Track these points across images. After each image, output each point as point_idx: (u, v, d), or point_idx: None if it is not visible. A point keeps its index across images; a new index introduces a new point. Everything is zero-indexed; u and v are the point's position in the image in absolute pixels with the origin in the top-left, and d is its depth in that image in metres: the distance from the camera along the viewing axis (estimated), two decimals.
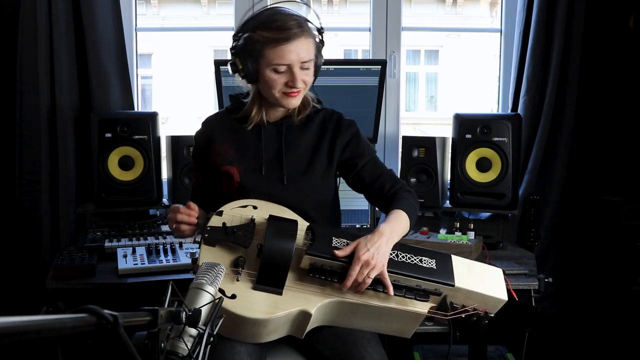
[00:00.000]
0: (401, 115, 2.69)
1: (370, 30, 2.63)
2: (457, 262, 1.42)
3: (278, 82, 1.44)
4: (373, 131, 2.29)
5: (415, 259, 1.39)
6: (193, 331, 0.99)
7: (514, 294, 1.70)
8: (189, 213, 1.41)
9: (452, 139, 2.27)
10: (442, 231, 2.16)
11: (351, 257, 1.31)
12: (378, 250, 1.31)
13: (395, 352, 2.06)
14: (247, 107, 1.54)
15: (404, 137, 2.29)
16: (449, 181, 2.30)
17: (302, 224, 1.41)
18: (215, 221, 1.38)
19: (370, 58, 2.62)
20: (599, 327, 2.40)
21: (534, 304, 1.89)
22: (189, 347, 0.98)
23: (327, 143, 1.55)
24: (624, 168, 2.49)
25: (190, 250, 1.98)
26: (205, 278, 1.08)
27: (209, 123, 1.61)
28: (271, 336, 1.36)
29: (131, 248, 2.00)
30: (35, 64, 2.29)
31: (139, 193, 2.27)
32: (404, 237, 1.44)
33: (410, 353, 2.19)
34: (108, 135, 2.22)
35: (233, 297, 1.28)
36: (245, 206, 1.43)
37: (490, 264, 1.94)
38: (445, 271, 1.38)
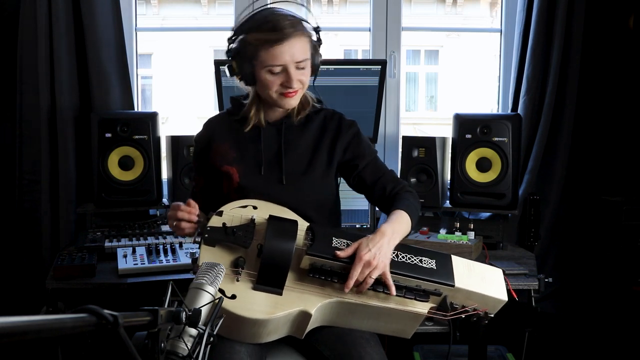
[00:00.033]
0: (401, 115, 2.70)
1: (370, 30, 2.63)
2: (457, 262, 1.42)
3: (274, 83, 1.44)
4: (373, 131, 2.30)
5: (415, 259, 1.39)
6: (193, 331, 0.99)
7: (514, 294, 1.70)
8: (189, 210, 1.40)
9: (452, 139, 2.27)
10: (442, 231, 2.16)
11: (352, 258, 1.31)
12: (380, 251, 1.31)
13: (395, 352, 2.06)
14: (246, 108, 1.54)
15: (404, 137, 2.29)
16: (449, 181, 2.30)
17: (302, 224, 1.41)
18: (215, 221, 1.38)
19: (370, 58, 2.62)
20: (599, 327, 2.40)
21: (534, 304, 1.89)
22: (189, 347, 0.98)
23: (328, 143, 1.55)
24: (624, 168, 2.49)
25: (190, 250, 1.98)
26: (205, 278, 1.08)
27: (209, 125, 1.61)
28: (271, 336, 1.36)
29: (131, 248, 2.00)
30: (35, 64, 2.29)
31: (139, 193, 2.27)
32: (405, 237, 1.44)
33: (410, 353, 2.19)
34: (108, 135, 2.22)
35: (233, 297, 1.28)
36: (245, 206, 1.43)
37: (490, 264, 1.94)
38: (445, 271, 1.38)
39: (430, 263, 1.39)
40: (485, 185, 2.20)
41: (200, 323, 0.97)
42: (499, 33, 2.70)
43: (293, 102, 1.49)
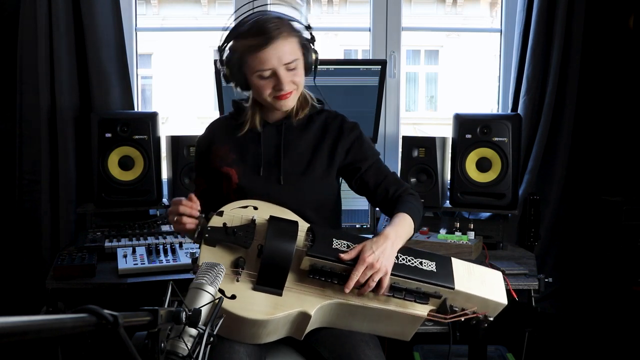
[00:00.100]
0: (401, 115, 2.70)
1: (370, 30, 2.63)
2: (457, 265, 1.42)
3: (266, 88, 1.44)
4: (373, 131, 2.30)
5: (415, 262, 1.39)
6: (193, 331, 0.99)
7: (513, 294, 1.70)
8: (191, 205, 1.39)
9: (452, 139, 2.27)
10: (442, 231, 2.16)
11: (355, 260, 1.31)
12: (383, 254, 1.31)
13: (395, 352, 2.06)
14: (246, 111, 1.54)
15: (404, 137, 2.29)
16: (449, 181, 2.30)
17: (303, 225, 1.41)
18: (215, 221, 1.38)
19: (370, 58, 2.62)
20: (599, 327, 2.40)
21: (534, 304, 1.89)
22: (189, 347, 0.98)
23: (329, 145, 1.55)
24: (624, 168, 2.49)
25: (190, 250, 1.98)
26: (205, 278, 1.08)
27: (211, 127, 1.62)
28: (271, 337, 1.36)
29: (131, 248, 2.00)
30: (35, 64, 2.29)
31: (139, 193, 2.27)
32: (407, 240, 1.44)
33: (410, 353, 2.19)
34: (108, 135, 2.22)
35: (233, 297, 1.28)
36: (246, 207, 1.43)
37: (490, 264, 1.95)
38: (445, 274, 1.38)
39: (430, 265, 1.39)
40: (485, 185, 2.20)
41: (200, 323, 0.97)
42: (499, 33, 2.70)
43: (289, 103, 1.49)
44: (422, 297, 1.36)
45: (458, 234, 2.12)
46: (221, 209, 1.42)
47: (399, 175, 2.05)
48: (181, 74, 8.25)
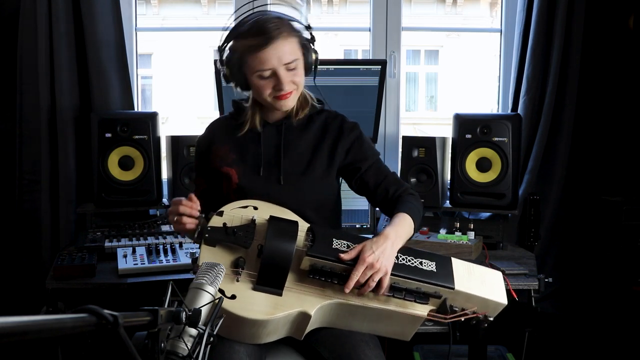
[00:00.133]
0: (401, 115, 2.70)
1: (370, 30, 2.63)
2: (457, 265, 1.42)
3: (266, 88, 1.44)
4: (373, 131, 2.30)
5: (415, 262, 1.39)
6: (193, 331, 0.99)
7: (513, 294, 1.70)
8: (191, 205, 1.39)
9: (452, 139, 2.27)
10: (442, 231, 2.16)
11: (354, 260, 1.31)
12: (383, 254, 1.31)
13: (395, 351, 2.06)
14: (246, 111, 1.55)
15: (404, 137, 2.29)
16: (449, 181, 2.30)
17: (303, 225, 1.41)
18: (215, 221, 1.38)
19: (370, 58, 2.62)
20: (599, 327, 2.40)
21: (534, 304, 1.89)
22: (189, 347, 0.98)
23: (329, 144, 1.55)
24: (624, 168, 2.49)
25: (190, 250, 1.98)
26: (205, 278, 1.08)
27: (211, 128, 1.62)
28: (270, 337, 1.36)
29: (131, 248, 2.00)
30: (35, 64, 2.29)
31: (139, 193, 2.27)
32: (407, 240, 1.44)
33: (410, 353, 2.19)
34: (108, 135, 2.22)
35: (233, 297, 1.28)
36: (246, 207, 1.43)
37: (490, 264, 1.95)
38: (445, 274, 1.38)
39: (430, 265, 1.39)
40: (485, 185, 2.20)
41: (200, 323, 0.97)
42: (499, 33, 2.70)
43: (289, 103, 1.49)
44: (422, 297, 1.36)
45: (458, 234, 2.12)
46: (221, 209, 1.42)
47: (399, 175, 2.05)
48: (181, 74, 8.25)
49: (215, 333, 1.00)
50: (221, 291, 1.26)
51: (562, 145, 2.47)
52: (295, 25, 1.46)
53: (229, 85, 1.53)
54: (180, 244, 2.06)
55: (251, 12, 1.46)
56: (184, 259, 1.92)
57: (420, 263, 1.39)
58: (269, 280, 1.31)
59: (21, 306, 2.36)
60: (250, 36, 1.40)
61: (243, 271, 1.33)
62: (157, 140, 2.30)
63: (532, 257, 2.13)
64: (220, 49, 1.48)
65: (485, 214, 2.38)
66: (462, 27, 9.03)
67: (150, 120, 2.26)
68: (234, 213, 1.41)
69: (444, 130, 6.49)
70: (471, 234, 2.10)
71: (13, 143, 2.35)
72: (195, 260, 1.53)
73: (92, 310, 0.68)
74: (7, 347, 0.55)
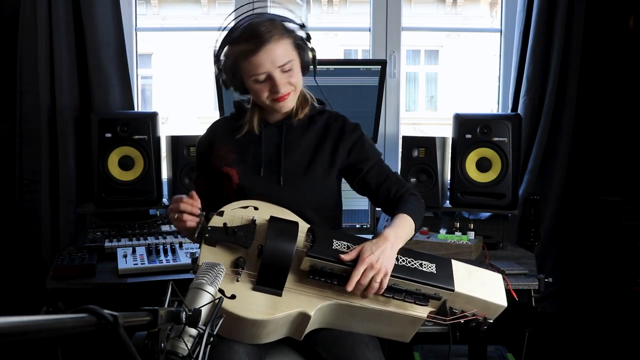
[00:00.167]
0: (401, 115, 2.70)
1: (370, 30, 2.63)
2: (457, 266, 1.42)
3: (263, 91, 1.45)
4: (373, 131, 2.30)
5: (415, 263, 1.39)
6: (193, 331, 0.99)
7: (513, 294, 1.70)
8: (192, 203, 1.38)
9: (452, 139, 2.27)
10: (442, 231, 2.16)
11: (354, 261, 1.31)
12: (383, 254, 1.31)
13: (395, 351, 2.06)
14: (247, 112, 1.55)
15: (404, 137, 2.29)
16: (449, 181, 2.30)
17: (303, 226, 1.41)
18: (216, 221, 1.38)
19: (370, 58, 2.62)
20: (599, 327, 2.40)
21: (534, 304, 1.89)
22: (189, 347, 0.98)
23: (330, 145, 1.55)
24: (624, 168, 2.49)
25: (190, 250, 1.98)
26: (205, 278, 1.08)
27: (212, 128, 1.63)
28: (270, 337, 1.36)
29: (131, 248, 2.00)
30: (35, 64, 2.29)
31: (139, 193, 2.27)
32: (408, 240, 1.44)
33: (410, 353, 2.19)
34: (108, 135, 2.22)
35: (233, 297, 1.28)
36: (247, 207, 1.43)
37: (490, 264, 1.95)
38: (445, 276, 1.37)
39: (430, 267, 1.39)
40: (485, 185, 2.20)
41: (200, 323, 0.97)
42: (499, 33, 2.70)
43: (288, 104, 1.49)
44: (421, 299, 1.35)
45: (458, 234, 2.12)
46: (221, 209, 1.42)
47: None
48: (181, 74, 8.25)
49: (215, 333, 1.00)
50: (221, 291, 1.26)
51: (562, 145, 2.47)
52: (289, 25, 1.46)
53: (228, 90, 1.54)
54: (180, 244, 2.06)
55: (245, 15, 1.46)
56: (184, 259, 1.92)
57: (420, 264, 1.39)
58: (269, 280, 1.31)
59: (21, 306, 2.36)
60: (242, 42, 1.41)
61: (243, 271, 1.33)
62: (157, 140, 2.31)
63: (532, 257, 2.13)
64: (216, 56, 1.49)
65: (485, 214, 2.38)
66: (462, 27, 9.03)
67: (150, 120, 2.26)
68: (235, 213, 1.41)
69: (444, 130, 6.49)
70: (471, 234, 2.10)
71: (13, 143, 2.35)
72: (195, 260, 1.53)
73: (92, 310, 0.68)
74: (7, 347, 0.55)
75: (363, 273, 1.29)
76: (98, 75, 2.38)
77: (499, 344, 2.21)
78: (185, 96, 8.04)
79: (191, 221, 1.38)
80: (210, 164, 1.57)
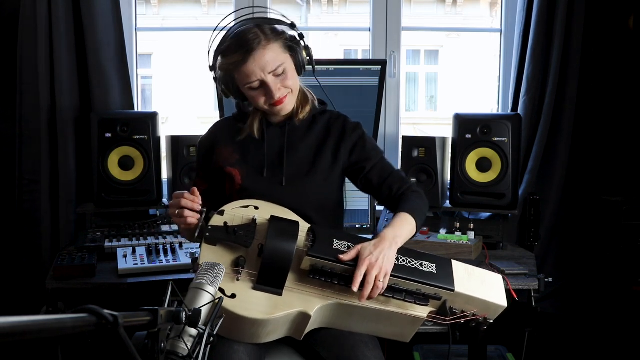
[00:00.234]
0: (401, 115, 2.70)
1: (370, 30, 2.63)
2: (457, 266, 1.42)
3: (259, 97, 1.46)
4: (373, 131, 2.30)
5: (415, 263, 1.39)
6: (193, 331, 0.99)
7: (513, 294, 1.70)
8: (193, 199, 1.38)
9: (452, 139, 2.27)
10: (442, 231, 2.16)
11: (355, 260, 1.31)
12: (381, 254, 1.31)
13: (395, 351, 2.06)
14: (249, 113, 1.55)
15: (404, 137, 2.29)
16: (449, 181, 2.30)
17: (303, 225, 1.41)
18: (216, 220, 1.38)
19: (370, 58, 2.62)
20: (599, 327, 2.40)
21: (534, 304, 1.89)
22: (189, 347, 0.98)
23: (332, 145, 1.55)
24: (624, 168, 2.49)
25: (190, 250, 1.98)
26: (205, 278, 1.08)
27: (214, 128, 1.63)
28: (270, 337, 1.36)
29: (131, 248, 2.00)
30: (35, 64, 2.29)
31: (139, 193, 2.27)
32: (410, 238, 1.44)
33: (410, 353, 2.19)
34: (108, 135, 2.22)
35: (233, 296, 1.28)
36: (247, 206, 1.43)
37: (490, 264, 1.95)
38: (445, 276, 1.37)
39: (430, 267, 1.39)
40: (485, 185, 2.20)
41: (200, 323, 0.97)
42: (499, 33, 2.70)
43: (287, 107, 1.49)
44: (422, 299, 1.35)
45: (458, 234, 2.12)
46: (222, 208, 1.42)
47: None
48: (181, 74, 8.25)
49: (215, 333, 1.00)
50: (221, 290, 1.26)
51: (562, 145, 2.47)
52: (279, 27, 1.46)
53: (228, 98, 1.55)
54: (180, 244, 2.06)
55: (235, 22, 1.47)
56: (184, 259, 1.92)
57: (421, 264, 1.39)
58: (269, 280, 1.31)
59: (21, 306, 2.36)
60: (230, 53, 1.42)
61: (243, 270, 1.33)
62: (157, 140, 2.30)
63: (532, 257, 2.13)
64: (211, 68, 1.50)
65: (485, 214, 2.38)
66: (462, 27, 9.03)
67: (150, 120, 2.26)
68: (235, 212, 1.41)
69: (444, 130, 6.48)
70: (471, 234, 2.10)
71: (13, 143, 2.35)
72: (195, 259, 1.53)
73: (92, 310, 0.68)
74: (7, 347, 0.55)
75: (368, 273, 1.28)
76: (98, 75, 2.38)
77: (499, 344, 2.21)
78: (185, 96, 8.03)
79: (192, 217, 1.37)
80: (213, 164, 1.57)
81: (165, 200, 2.38)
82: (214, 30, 1.49)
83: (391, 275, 1.32)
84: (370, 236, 1.41)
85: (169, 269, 1.88)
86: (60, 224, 2.37)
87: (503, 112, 2.65)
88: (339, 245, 1.35)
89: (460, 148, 2.21)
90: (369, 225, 2.32)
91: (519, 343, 2.00)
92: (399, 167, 2.30)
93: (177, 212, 1.37)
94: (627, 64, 2.47)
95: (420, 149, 2.24)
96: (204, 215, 1.38)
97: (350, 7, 8.41)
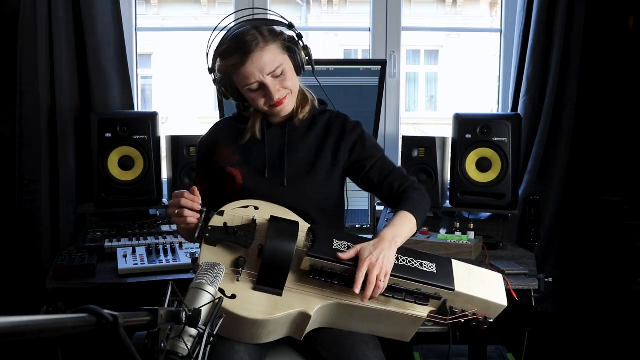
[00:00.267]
0: (401, 115, 2.70)
1: (370, 30, 2.63)
2: (457, 266, 1.42)
3: (258, 99, 1.46)
4: (373, 131, 2.30)
5: (415, 263, 1.39)
6: (193, 331, 0.99)
7: (513, 294, 1.70)
8: (193, 199, 1.37)
9: (452, 139, 2.27)
10: (442, 231, 2.16)
11: (354, 261, 1.31)
12: (381, 254, 1.30)
13: (395, 351, 2.06)
14: (250, 113, 1.55)
15: (404, 137, 2.29)
16: (449, 181, 2.30)
17: (303, 226, 1.41)
18: (216, 221, 1.38)
19: (370, 58, 2.62)
20: (599, 327, 2.40)
21: (534, 304, 1.89)
22: (189, 347, 0.98)
23: (332, 145, 1.55)
24: (624, 168, 2.49)
25: (190, 251, 1.98)
26: (205, 278, 1.08)
27: (214, 129, 1.63)
28: (270, 337, 1.36)
29: (131, 248, 2.00)
30: (35, 64, 2.29)
31: (139, 193, 2.27)
32: (411, 237, 1.43)
33: (410, 353, 2.19)
34: (108, 135, 2.22)
35: (233, 297, 1.28)
36: (247, 207, 1.43)
37: (490, 264, 1.95)
38: (446, 275, 1.37)
39: (430, 267, 1.39)
40: (485, 185, 2.20)
41: (200, 323, 0.97)
42: (499, 33, 2.70)
43: (286, 108, 1.49)
44: (422, 299, 1.35)
45: (458, 234, 2.12)
46: (222, 209, 1.42)
47: None
48: (181, 74, 8.24)
49: (215, 333, 1.00)
50: (221, 291, 1.26)
51: (562, 145, 2.47)
52: (276, 29, 1.46)
53: (228, 100, 1.55)
54: (180, 244, 2.06)
55: (234, 23, 1.47)
56: (184, 259, 1.92)
57: (421, 264, 1.39)
58: (269, 280, 1.31)
59: (21, 306, 2.36)
60: (229, 55, 1.42)
61: (243, 271, 1.33)
62: (157, 140, 2.30)
63: (532, 257, 2.13)
64: (210, 71, 1.50)
65: (485, 214, 2.38)
66: (462, 27, 9.02)
67: (150, 120, 2.26)
68: (235, 213, 1.41)
69: (444, 130, 6.48)
70: (471, 234, 2.10)
71: (13, 143, 2.35)
72: (195, 259, 1.53)
73: (92, 310, 0.68)
74: (7, 347, 0.55)
75: (369, 272, 1.28)
76: (98, 75, 2.38)
77: (499, 344, 2.20)
78: (185, 96, 8.03)
79: (191, 217, 1.37)
80: (213, 164, 1.57)
81: (165, 200, 2.38)
82: (212, 32, 1.49)
83: (391, 275, 1.32)
84: (370, 236, 1.41)
85: (169, 269, 1.88)
86: (60, 224, 2.37)
87: (503, 112, 2.65)
88: (339, 245, 1.35)
89: (460, 148, 2.21)
90: (369, 225, 2.32)
91: (519, 343, 2.00)
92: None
93: (176, 211, 1.37)
94: (627, 64, 2.47)
95: (420, 149, 2.24)
96: (203, 215, 1.38)
97: (350, 7, 8.40)
